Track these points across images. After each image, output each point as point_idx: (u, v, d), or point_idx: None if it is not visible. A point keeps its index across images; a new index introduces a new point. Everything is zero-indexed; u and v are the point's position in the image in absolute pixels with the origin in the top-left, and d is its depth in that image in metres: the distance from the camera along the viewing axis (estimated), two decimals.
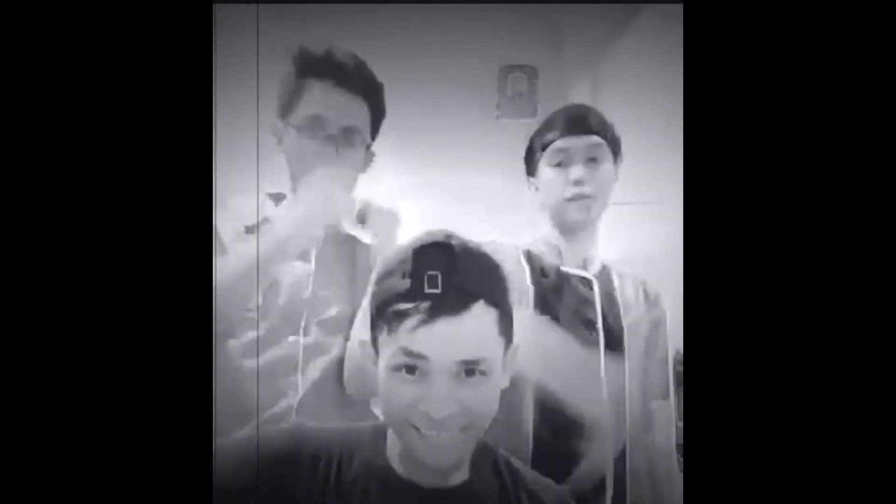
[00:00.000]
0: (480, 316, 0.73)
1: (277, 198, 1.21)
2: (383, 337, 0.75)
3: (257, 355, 1.09)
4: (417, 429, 0.74)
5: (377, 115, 1.21)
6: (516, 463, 0.86)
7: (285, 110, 1.17)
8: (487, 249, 0.78)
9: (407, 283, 0.73)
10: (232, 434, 0.83)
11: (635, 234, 1.56)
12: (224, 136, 1.00)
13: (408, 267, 0.74)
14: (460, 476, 0.80)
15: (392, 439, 0.81)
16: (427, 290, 0.72)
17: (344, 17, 1.84)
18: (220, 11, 0.80)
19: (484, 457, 0.83)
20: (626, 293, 1.30)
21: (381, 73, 1.21)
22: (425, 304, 0.71)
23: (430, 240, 0.76)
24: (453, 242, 0.75)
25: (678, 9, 0.75)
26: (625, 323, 1.27)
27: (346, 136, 1.14)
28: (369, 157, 1.22)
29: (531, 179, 1.31)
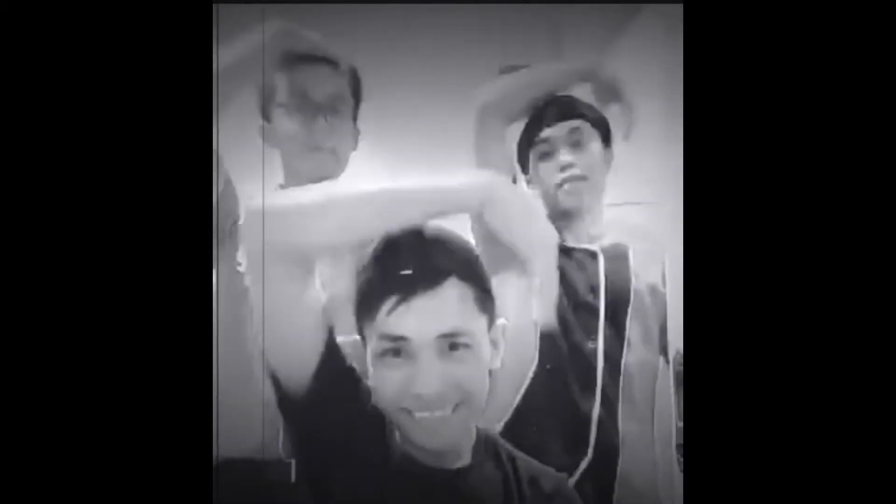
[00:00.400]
0: (454, 291, 0.73)
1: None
2: (367, 329, 0.76)
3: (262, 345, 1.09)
4: (410, 412, 0.74)
5: (356, 94, 1.19)
6: (516, 451, 0.87)
7: (268, 101, 1.16)
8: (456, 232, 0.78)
9: (378, 268, 0.74)
10: None
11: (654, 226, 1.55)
12: (225, 136, 1.00)
13: (378, 254, 0.75)
14: (461, 462, 0.81)
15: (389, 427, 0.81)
16: (399, 273, 0.72)
17: (343, 16, 1.84)
18: (221, 11, 0.80)
19: (485, 445, 0.84)
20: (639, 265, 1.28)
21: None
22: (399, 286, 0.72)
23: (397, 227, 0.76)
24: (421, 227, 0.75)
25: (678, 9, 0.75)
26: (633, 288, 1.25)
27: (332, 104, 1.13)
28: (356, 132, 1.21)
29: (526, 177, 1.30)
